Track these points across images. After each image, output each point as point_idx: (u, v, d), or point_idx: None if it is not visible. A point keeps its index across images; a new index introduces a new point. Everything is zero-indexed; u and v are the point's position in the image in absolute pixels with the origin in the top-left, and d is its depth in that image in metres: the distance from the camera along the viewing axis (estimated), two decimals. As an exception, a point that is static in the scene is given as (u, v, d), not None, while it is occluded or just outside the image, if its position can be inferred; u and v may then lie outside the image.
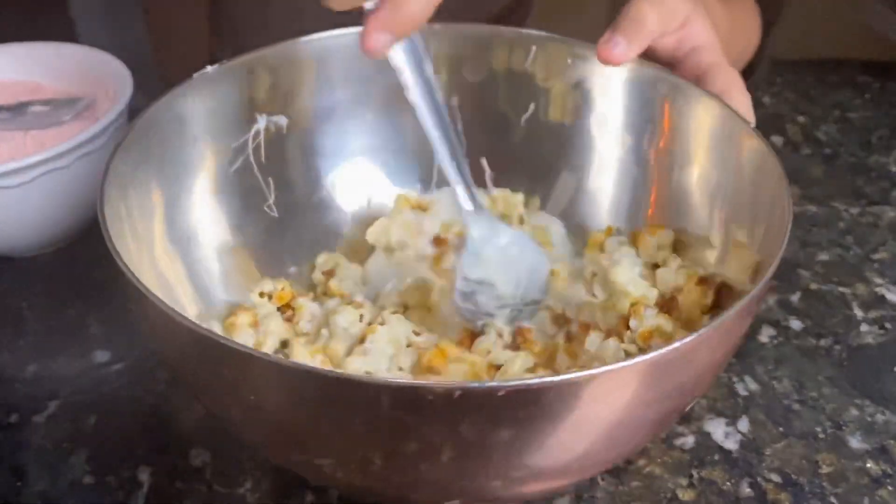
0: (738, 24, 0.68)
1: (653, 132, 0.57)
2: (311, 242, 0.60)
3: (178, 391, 0.56)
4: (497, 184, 0.61)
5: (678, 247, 0.55)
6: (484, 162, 0.61)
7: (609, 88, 0.58)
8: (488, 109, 0.61)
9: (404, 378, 0.49)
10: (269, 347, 0.52)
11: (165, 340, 0.43)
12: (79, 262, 0.66)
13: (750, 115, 0.52)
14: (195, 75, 0.53)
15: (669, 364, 0.38)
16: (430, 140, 0.48)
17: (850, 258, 0.67)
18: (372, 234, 0.58)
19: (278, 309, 0.55)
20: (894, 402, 0.56)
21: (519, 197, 0.60)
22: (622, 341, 0.49)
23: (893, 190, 0.74)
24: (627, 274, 0.50)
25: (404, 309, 0.55)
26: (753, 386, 0.57)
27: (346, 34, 0.57)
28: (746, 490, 0.51)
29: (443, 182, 0.61)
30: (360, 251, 0.60)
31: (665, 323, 0.49)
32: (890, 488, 0.51)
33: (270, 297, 0.55)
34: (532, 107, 0.60)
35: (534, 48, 0.58)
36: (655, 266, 0.54)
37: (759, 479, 0.51)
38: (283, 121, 0.58)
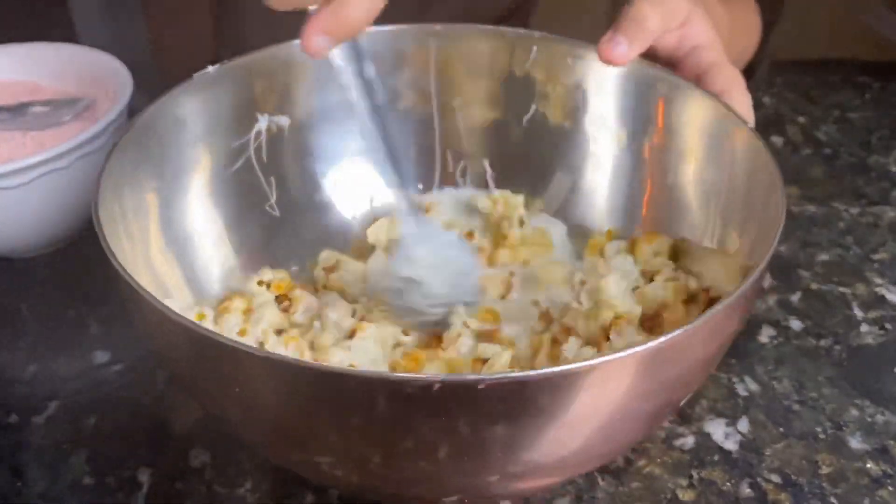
0: (738, 23, 0.68)
1: (649, 130, 0.57)
2: (313, 242, 0.60)
3: (178, 392, 0.56)
4: (499, 185, 0.61)
5: (677, 254, 0.55)
6: (486, 163, 0.61)
7: (607, 88, 0.57)
8: (490, 110, 0.61)
9: (383, 371, 0.49)
10: (254, 333, 0.52)
11: (160, 339, 0.43)
12: (78, 263, 0.66)
13: (750, 115, 0.52)
14: (195, 75, 0.53)
15: (657, 358, 0.38)
16: (370, 140, 0.49)
17: (850, 258, 0.67)
18: (372, 234, 0.59)
19: (276, 298, 0.55)
20: (894, 402, 0.56)
21: (519, 198, 0.60)
22: (599, 351, 0.49)
23: (893, 190, 0.74)
24: (615, 288, 0.50)
25: None
26: (753, 386, 0.57)
27: None
28: (746, 490, 0.51)
29: (444, 182, 0.62)
30: (364, 252, 0.60)
31: (643, 341, 0.49)
32: (890, 489, 0.51)
33: (269, 285, 0.56)
34: (533, 108, 0.60)
35: (535, 48, 0.58)
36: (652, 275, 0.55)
37: (759, 479, 0.51)
38: (284, 121, 0.58)
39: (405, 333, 0.52)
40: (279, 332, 0.53)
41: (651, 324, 0.51)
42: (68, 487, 0.51)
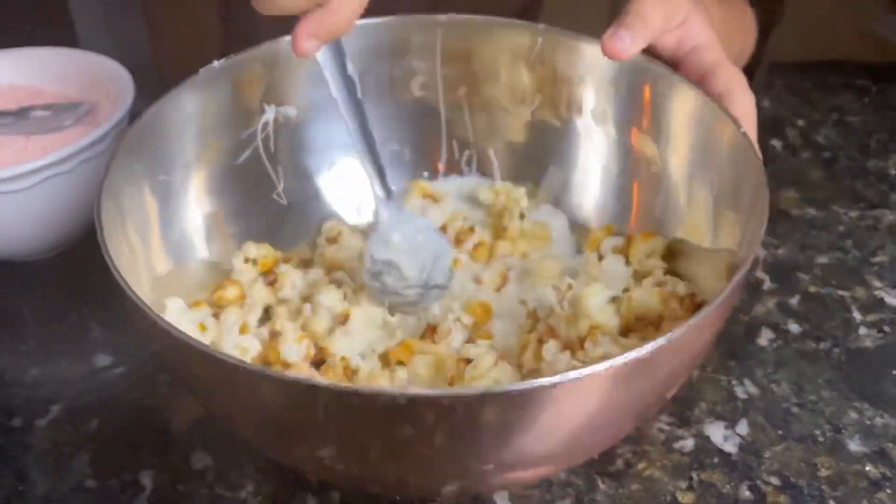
0: (733, 24, 0.69)
1: (640, 123, 0.58)
2: (316, 231, 0.62)
3: (180, 395, 0.57)
4: (505, 175, 0.62)
5: (672, 254, 0.56)
6: (491, 153, 0.62)
7: (609, 81, 0.58)
8: (496, 100, 0.62)
9: (367, 384, 0.51)
10: (253, 326, 0.54)
11: (162, 349, 0.44)
12: (80, 267, 0.67)
13: (753, 114, 0.52)
14: (201, 70, 0.55)
15: (634, 370, 0.39)
16: (349, 131, 0.51)
17: (849, 261, 0.67)
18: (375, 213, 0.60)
19: (262, 275, 0.57)
20: (893, 405, 0.56)
21: (521, 190, 0.61)
22: (576, 356, 0.50)
23: (892, 193, 0.74)
24: (595, 299, 0.51)
25: None
26: (753, 389, 0.57)
27: None
28: (746, 493, 0.51)
29: (450, 170, 0.64)
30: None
31: (618, 352, 0.49)
32: (889, 491, 0.51)
33: (255, 262, 0.57)
34: (538, 99, 0.61)
35: (540, 40, 0.59)
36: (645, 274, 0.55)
37: (758, 481, 0.52)
38: (291, 111, 0.59)
39: (391, 314, 0.54)
40: (268, 309, 0.55)
41: (636, 328, 0.52)
42: (71, 490, 0.52)
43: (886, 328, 0.61)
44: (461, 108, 0.62)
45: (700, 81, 0.53)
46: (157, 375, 0.58)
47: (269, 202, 0.60)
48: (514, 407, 0.37)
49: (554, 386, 0.37)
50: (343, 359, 0.51)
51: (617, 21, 0.52)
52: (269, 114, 0.58)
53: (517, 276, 0.58)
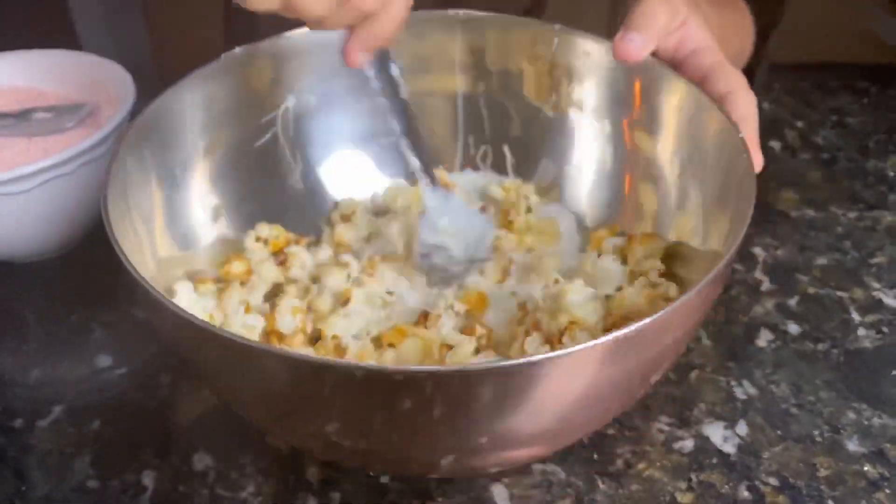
0: (730, 25, 0.69)
1: (632, 116, 0.59)
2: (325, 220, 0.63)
3: (181, 395, 0.57)
4: (518, 172, 0.64)
5: (671, 257, 0.56)
6: (506, 149, 0.64)
7: (620, 81, 0.59)
8: (513, 98, 0.63)
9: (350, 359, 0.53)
10: (256, 304, 0.56)
11: (167, 331, 0.45)
12: (81, 268, 0.67)
13: (754, 115, 0.52)
14: (223, 56, 0.57)
15: (613, 352, 0.40)
16: (395, 130, 0.55)
17: (847, 262, 0.67)
18: (388, 194, 0.63)
19: (273, 254, 0.59)
20: (891, 405, 0.56)
21: (530, 187, 0.63)
22: (555, 349, 0.50)
23: (891, 194, 0.74)
24: (575, 295, 0.52)
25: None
26: (752, 390, 0.57)
27: None
28: (745, 493, 0.51)
29: (466, 165, 0.65)
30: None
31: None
32: (887, 491, 0.51)
33: (266, 241, 0.59)
34: (554, 97, 0.62)
35: (556, 40, 0.59)
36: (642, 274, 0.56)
37: (757, 482, 0.52)
38: (312, 100, 0.61)
39: (389, 293, 0.57)
40: (278, 286, 0.57)
41: (621, 326, 0.52)
42: (73, 491, 0.52)
43: (885, 329, 0.61)
44: (478, 104, 0.64)
45: (701, 83, 0.54)
46: (159, 376, 0.58)
47: (277, 190, 0.62)
48: (488, 383, 0.39)
49: (526, 365, 0.38)
50: (335, 337, 0.53)
51: (625, 25, 0.53)
52: (289, 101, 0.61)
53: (518, 270, 0.59)
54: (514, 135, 0.64)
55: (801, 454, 0.53)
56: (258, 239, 0.59)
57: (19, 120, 0.66)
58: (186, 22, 0.85)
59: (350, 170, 0.64)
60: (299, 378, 0.41)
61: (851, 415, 0.56)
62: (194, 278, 0.55)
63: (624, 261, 0.57)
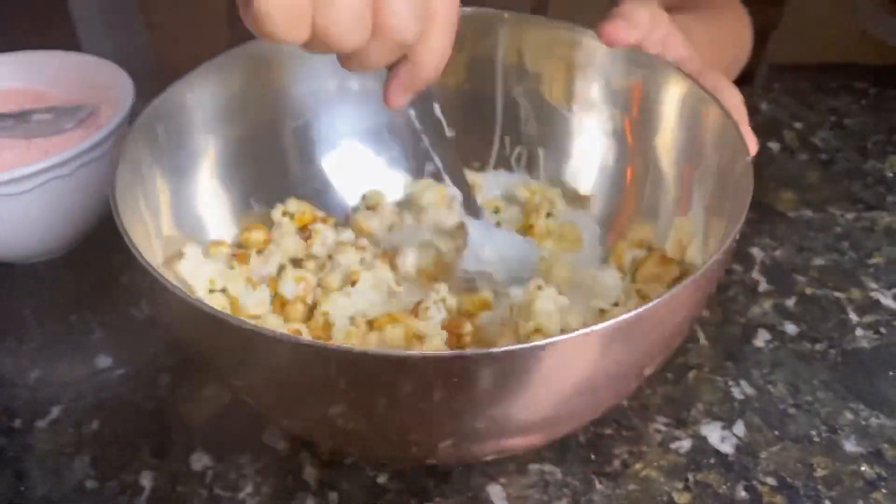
0: (722, 39, 0.70)
1: (634, 114, 0.59)
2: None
3: (180, 396, 0.57)
4: (551, 175, 0.64)
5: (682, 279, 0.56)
6: (541, 151, 0.64)
7: (611, 77, 0.60)
8: (550, 101, 0.63)
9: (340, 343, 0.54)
10: (270, 269, 0.58)
11: (177, 321, 0.46)
12: (81, 269, 0.67)
13: (742, 106, 0.54)
14: (245, 45, 0.57)
15: (602, 342, 0.41)
16: (438, 167, 0.53)
17: (845, 263, 0.67)
18: (415, 190, 0.64)
19: (298, 230, 0.60)
20: (888, 405, 0.56)
21: (556, 191, 0.63)
22: None
23: (889, 195, 0.74)
24: (546, 303, 0.52)
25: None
26: (749, 390, 0.57)
27: None
28: (742, 493, 0.51)
29: (499, 165, 0.65)
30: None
31: None
32: (884, 491, 0.51)
33: (292, 216, 0.60)
34: (583, 100, 0.62)
35: (583, 41, 0.60)
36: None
37: (754, 482, 0.52)
38: (326, 92, 0.62)
39: (397, 284, 0.57)
40: (298, 261, 0.59)
41: None
42: (71, 491, 0.52)
43: (882, 329, 0.62)
44: (517, 106, 0.64)
45: None
46: (158, 377, 0.58)
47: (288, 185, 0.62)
48: (485, 368, 0.40)
49: (520, 351, 0.39)
50: (324, 314, 0.55)
51: (609, 15, 0.56)
52: (302, 94, 0.61)
53: None
54: (548, 137, 0.64)
55: (799, 454, 0.53)
56: (285, 213, 0.60)
57: (18, 121, 0.66)
58: (187, 23, 0.85)
59: (359, 165, 0.65)
60: (300, 362, 0.41)
61: (849, 415, 0.56)
62: (210, 243, 0.57)
63: (631, 277, 0.57)
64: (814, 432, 0.55)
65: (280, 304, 0.56)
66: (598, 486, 0.52)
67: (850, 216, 0.72)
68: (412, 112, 0.50)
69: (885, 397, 0.57)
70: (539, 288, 0.53)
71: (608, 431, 0.54)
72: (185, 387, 0.58)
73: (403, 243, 0.60)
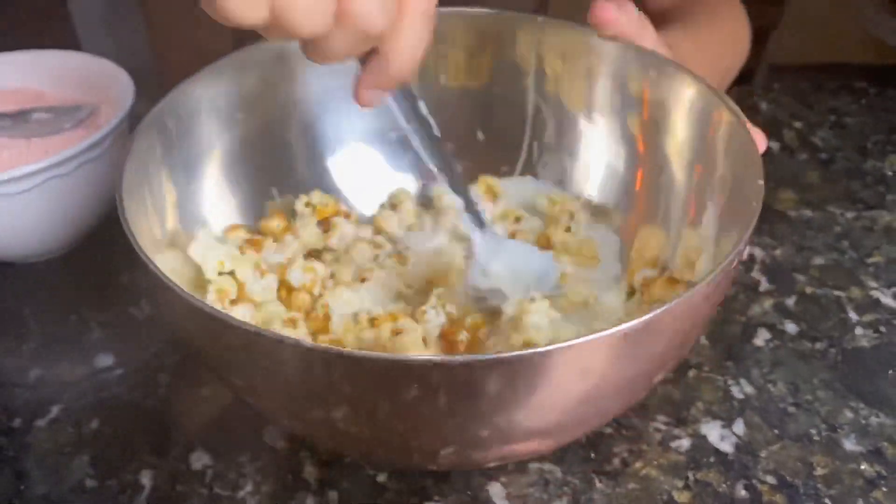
0: (714, 47, 0.70)
1: (642, 117, 0.58)
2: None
3: (180, 395, 0.57)
4: (575, 186, 0.62)
5: None
6: (566, 160, 0.62)
7: (618, 79, 0.59)
8: (578, 110, 0.61)
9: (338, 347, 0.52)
10: (270, 260, 0.57)
11: (179, 321, 0.46)
12: (81, 268, 0.67)
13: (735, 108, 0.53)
14: (258, 44, 0.56)
15: (608, 349, 0.40)
16: (434, 172, 0.50)
17: (845, 262, 0.67)
18: (435, 191, 0.63)
19: (319, 222, 0.60)
20: (888, 404, 0.56)
21: (576, 202, 0.61)
22: None
23: (889, 194, 0.74)
24: (537, 316, 0.51)
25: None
26: (749, 389, 0.57)
27: None
28: (742, 492, 0.51)
29: (526, 171, 0.64)
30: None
31: None
32: (884, 490, 0.51)
33: (314, 208, 0.60)
34: (607, 110, 0.60)
35: (597, 44, 0.58)
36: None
37: (754, 480, 0.52)
38: (330, 92, 0.61)
39: (407, 286, 0.57)
40: (318, 253, 0.59)
41: None
42: (71, 490, 0.52)
43: (882, 328, 0.62)
44: (545, 113, 0.62)
45: None
46: (157, 376, 0.58)
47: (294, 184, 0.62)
48: (490, 374, 0.39)
49: (525, 357, 0.38)
50: (324, 306, 0.55)
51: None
52: (308, 94, 0.60)
53: None
54: (574, 147, 0.62)
55: (799, 453, 0.53)
56: (308, 204, 0.60)
57: (18, 121, 0.66)
58: (187, 23, 0.85)
59: (371, 166, 0.64)
60: (300, 364, 0.41)
61: (849, 414, 0.56)
62: (228, 227, 0.57)
63: (638, 298, 0.56)
64: (814, 431, 0.55)
65: (286, 291, 0.56)
66: (598, 484, 0.52)
67: (849, 215, 0.72)
68: (397, 112, 0.47)
69: (884, 396, 0.57)
70: (532, 300, 0.51)
71: (608, 430, 0.54)
72: (185, 386, 0.58)
73: (418, 245, 0.60)
